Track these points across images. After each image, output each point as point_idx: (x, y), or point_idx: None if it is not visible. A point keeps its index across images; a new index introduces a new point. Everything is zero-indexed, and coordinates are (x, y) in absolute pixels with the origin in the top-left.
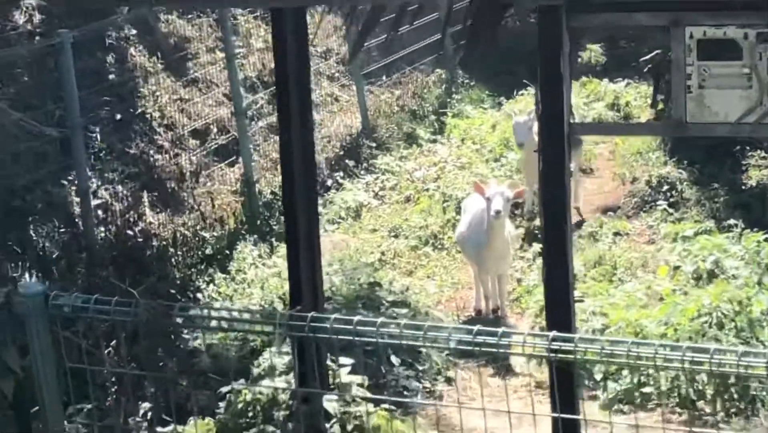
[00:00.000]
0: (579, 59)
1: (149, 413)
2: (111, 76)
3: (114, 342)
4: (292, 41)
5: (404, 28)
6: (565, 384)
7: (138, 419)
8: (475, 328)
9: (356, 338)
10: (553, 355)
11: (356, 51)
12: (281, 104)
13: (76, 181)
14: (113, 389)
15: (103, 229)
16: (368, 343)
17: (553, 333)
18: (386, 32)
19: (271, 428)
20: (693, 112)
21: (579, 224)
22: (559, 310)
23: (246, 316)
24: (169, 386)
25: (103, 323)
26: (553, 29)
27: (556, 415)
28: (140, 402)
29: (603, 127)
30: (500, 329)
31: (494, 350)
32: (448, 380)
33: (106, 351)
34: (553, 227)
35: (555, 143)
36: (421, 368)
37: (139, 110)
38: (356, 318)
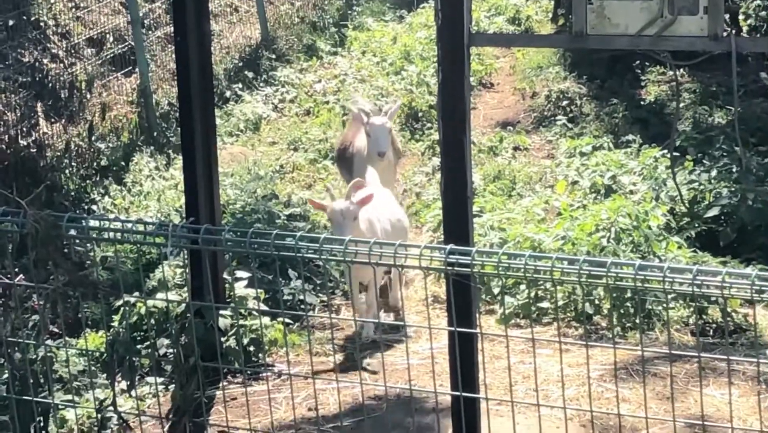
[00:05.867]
0: None
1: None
2: None
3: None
4: None
5: None
6: (462, 298)
7: (28, 331)
8: (372, 240)
9: (251, 251)
10: (450, 268)
11: None
12: (177, 13)
13: None
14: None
15: None
16: (265, 256)
17: (450, 246)
18: None
19: (166, 342)
20: (593, 24)
21: None
22: (456, 223)
23: (138, 227)
24: (58, 298)
25: None
26: None
27: (452, 328)
28: (29, 315)
29: (503, 38)
30: (397, 242)
31: (391, 263)
32: (346, 294)
33: None
34: (451, 139)
35: (455, 54)
36: (318, 281)
37: (33, 17)
38: (250, 231)
